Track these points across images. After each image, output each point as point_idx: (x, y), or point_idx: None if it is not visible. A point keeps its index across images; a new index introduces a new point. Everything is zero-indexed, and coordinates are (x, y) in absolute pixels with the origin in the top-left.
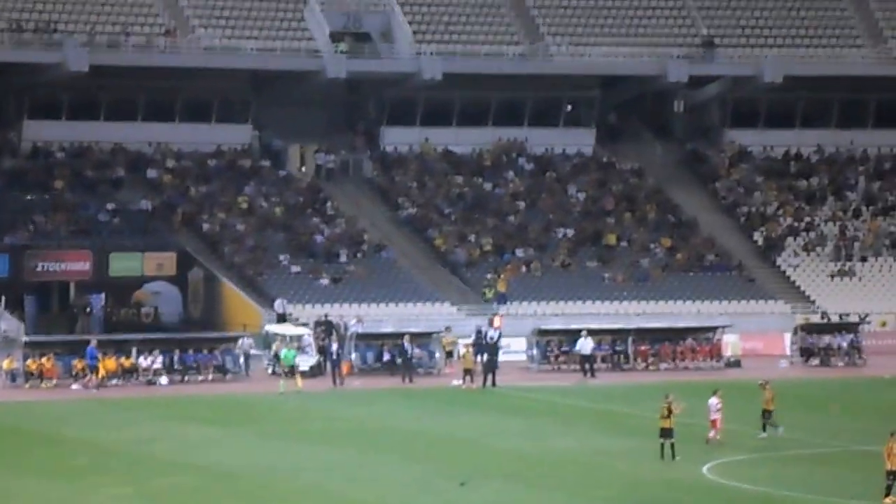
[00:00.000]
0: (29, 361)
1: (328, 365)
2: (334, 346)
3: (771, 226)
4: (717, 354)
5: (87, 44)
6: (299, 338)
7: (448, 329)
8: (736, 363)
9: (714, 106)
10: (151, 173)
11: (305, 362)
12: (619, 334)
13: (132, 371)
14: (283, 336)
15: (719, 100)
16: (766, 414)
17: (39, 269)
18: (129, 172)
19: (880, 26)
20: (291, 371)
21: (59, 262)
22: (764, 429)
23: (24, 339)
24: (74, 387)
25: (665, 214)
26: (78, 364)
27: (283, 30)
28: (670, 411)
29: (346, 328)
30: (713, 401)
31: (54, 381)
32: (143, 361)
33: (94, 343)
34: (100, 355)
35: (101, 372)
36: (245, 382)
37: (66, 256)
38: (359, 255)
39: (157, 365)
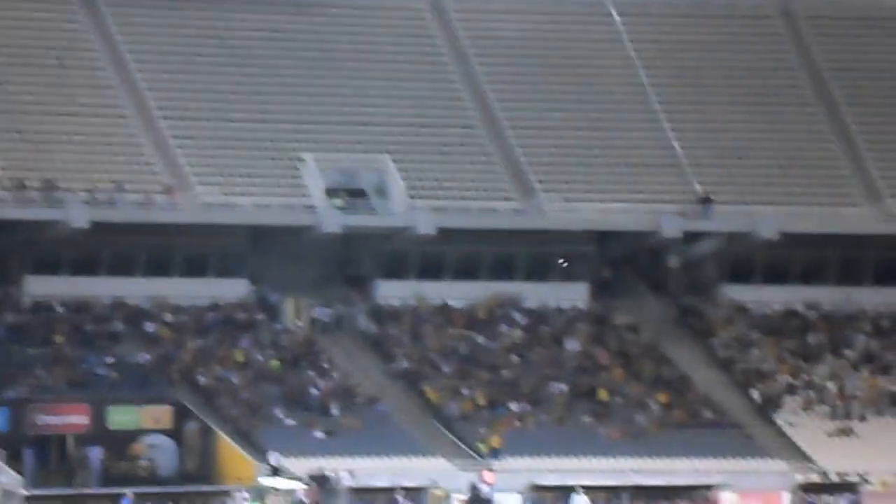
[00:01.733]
0: None
1: None
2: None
3: (768, 383)
4: None
5: (88, 201)
6: (292, 492)
7: (438, 483)
8: None
9: (710, 262)
10: (149, 327)
11: None
12: (614, 491)
13: None
14: (276, 490)
15: (715, 256)
16: None
17: (39, 422)
18: (127, 326)
19: (877, 185)
20: None
21: (58, 416)
22: None
23: (24, 492)
24: None
25: (660, 370)
26: None
27: (279, 186)
28: None
29: (339, 482)
30: None
31: None
32: None
33: (129, 495)
34: None
35: None
36: None
37: (65, 409)
38: (352, 408)
39: None
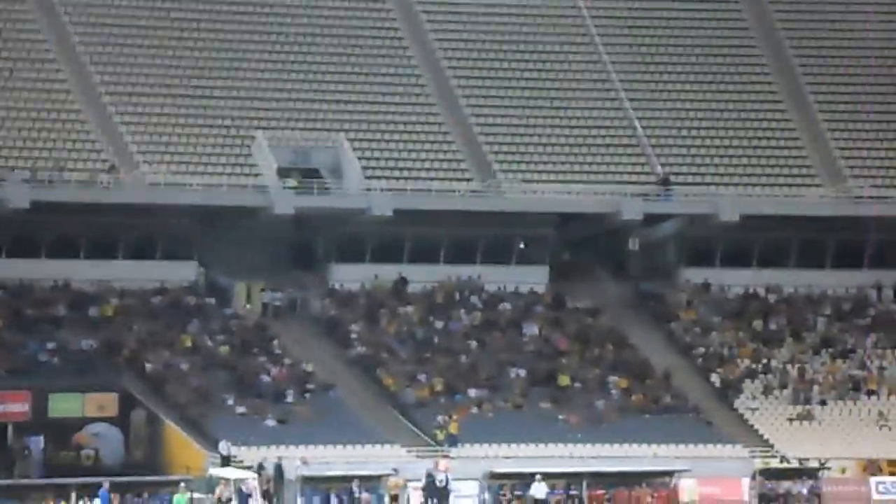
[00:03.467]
0: None
1: None
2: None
3: (728, 367)
4: (675, 500)
5: (28, 180)
6: (243, 481)
7: (395, 471)
8: None
9: (670, 244)
10: (93, 312)
11: None
12: (573, 478)
13: None
14: (226, 480)
15: (675, 238)
16: None
17: None
18: (70, 311)
19: (838, 165)
20: None
21: None
22: None
23: None
24: None
25: (620, 354)
26: None
27: (230, 165)
28: None
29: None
30: None
31: None
32: None
33: (106, 486)
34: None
35: None
36: None
37: (4, 397)
38: (306, 395)
39: None
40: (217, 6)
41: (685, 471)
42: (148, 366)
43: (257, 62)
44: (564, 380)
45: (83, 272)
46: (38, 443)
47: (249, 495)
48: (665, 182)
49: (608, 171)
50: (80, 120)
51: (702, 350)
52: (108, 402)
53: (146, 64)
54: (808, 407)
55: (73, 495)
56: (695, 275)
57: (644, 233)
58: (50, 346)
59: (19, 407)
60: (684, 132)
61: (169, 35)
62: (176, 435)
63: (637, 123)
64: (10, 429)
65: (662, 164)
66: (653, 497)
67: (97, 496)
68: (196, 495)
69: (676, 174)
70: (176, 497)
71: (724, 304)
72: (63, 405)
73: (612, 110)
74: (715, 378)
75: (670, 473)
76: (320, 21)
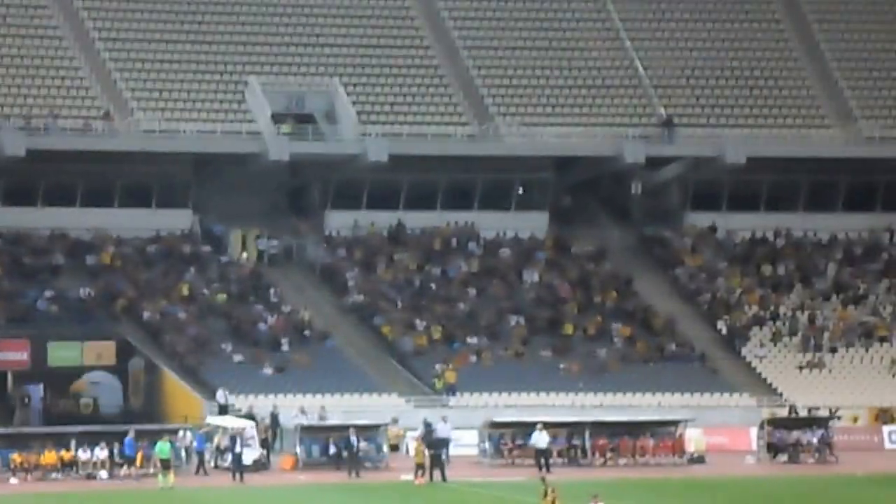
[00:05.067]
0: None
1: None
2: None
3: (735, 314)
4: (680, 450)
5: (23, 128)
6: (242, 430)
7: (395, 421)
8: (699, 459)
9: (674, 188)
10: (90, 260)
11: (249, 456)
12: (575, 428)
13: (72, 464)
14: (225, 428)
15: (679, 182)
16: None
17: None
18: (67, 259)
19: (849, 105)
20: (167, 465)
21: None
22: None
23: None
24: (13, 481)
25: (623, 301)
26: (17, 457)
27: (223, 111)
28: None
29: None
30: None
31: None
32: (83, 455)
33: (132, 434)
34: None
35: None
36: (187, 476)
37: (3, 346)
38: (303, 343)
39: (99, 458)
40: None
41: (691, 420)
42: (145, 314)
43: (251, 6)
44: (566, 328)
45: (79, 220)
46: (37, 391)
47: (247, 443)
48: (668, 123)
49: (609, 113)
50: (74, 67)
51: (707, 296)
52: (106, 351)
53: (139, 10)
54: (818, 354)
55: (73, 443)
56: (700, 219)
57: (647, 176)
58: (48, 294)
59: (18, 356)
60: (688, 72)
61: None
62: (174, 383)
63: (638, 64)
64: (9, 377)
65: (665, 106)
66: (658, 447)
67: (104, 444)
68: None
69: (680, 115)
70: (158, 444)
71: (731, 248)
72: (62, 354)
73: (613, 51)
74: (721, 325)
75: (675, 423)
76: None
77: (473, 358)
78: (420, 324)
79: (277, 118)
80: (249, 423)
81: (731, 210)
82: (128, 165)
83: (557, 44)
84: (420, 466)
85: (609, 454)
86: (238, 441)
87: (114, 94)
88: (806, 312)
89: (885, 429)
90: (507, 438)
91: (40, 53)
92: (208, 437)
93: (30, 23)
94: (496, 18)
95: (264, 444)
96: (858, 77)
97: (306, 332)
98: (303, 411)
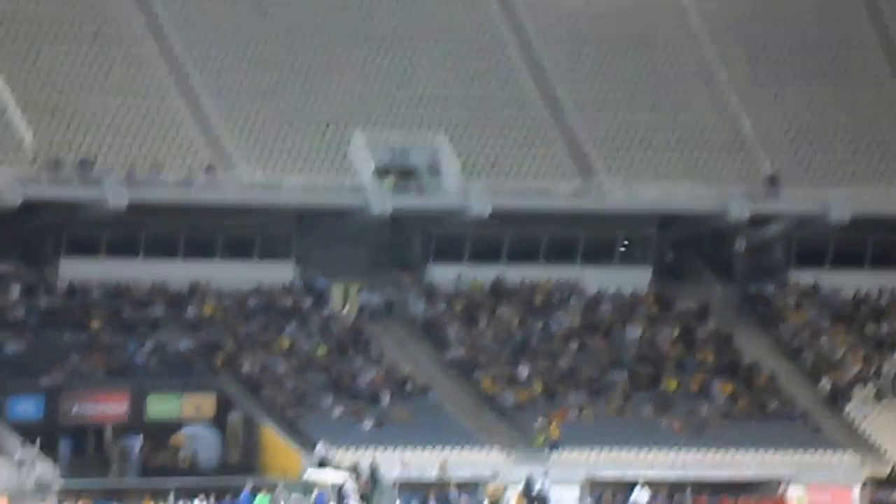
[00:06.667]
0: None
1: None
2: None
3: (838, 372)
4: None
5: (126, 180)
6: (341, 485)
7: (495, 476)
8: None
9: (778, 245)
10: (191, 312)
11: None
12: (676, 486)
13: None
14: (323, 483)
15: (783, 239)
16: None
17: (75, 411)
18: (168, 311)
19: None
20: None
21: (95, 404)
22: None
23: (59, 484)
24: None
25: (725, 359)
26: None
27: (327, 165)
28: None
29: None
30: None
31: None
32: None
33: (248, 488)
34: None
35: None
36: None
37: (103, 398)
38: (402, 397)
39: None
40: (315, 3)
41: (793, 478)
42: (244, 367)
43: (356, 60)
44: (668, 384)
45: (180, 272)
46: (135, 444)
47: (347, 497)
48: (773, 181)
49: (713, 169)
50: (178, 119)
51: (811, 354)
52: (205, 404)
53: (244, 63)
54: None
55: (171, 496)
56: (804, 276)
57: (751, 233)
58: (148, 346)
59: (117, 408)
60: (793, 130)
61: (268, 34)
62: (272, 437)
63: (744, 121)
64: (107, 430)
65: (770, 163)
66: None
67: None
68: (294, 495)
69: (785, 173)
70: (258, 498)
71: (835, 306)
72: (160, 406)
73: (718, 107)
74: (824, 383)
75: (778, 481)
76: (420, 19)
77: (574, 413)
78: (521, 378)
79: (381, 172)
80: (348, 477)
81: (836, 268)
82: (229, 218)
83: (662, 100)
84: None
85: None
86: (338, 495)
87: (217, 146)
88: None
89: None
90: (608, 495)
91: (143, 105)
92: (307, 490)
93: (135, 75)
94: (602, 75)
95: (364, 498)
96: None
97: (406, 387)
98: (403, 465)
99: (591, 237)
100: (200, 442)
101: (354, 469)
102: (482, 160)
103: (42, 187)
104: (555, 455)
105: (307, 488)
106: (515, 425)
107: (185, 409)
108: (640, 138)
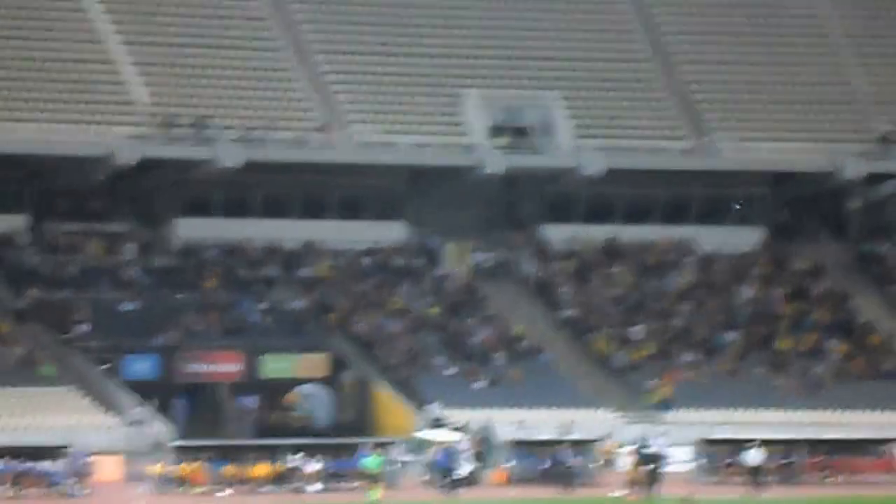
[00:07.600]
0: (182, 465)
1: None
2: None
3: None
4: (893, 469)
5: (241, 139)
6: (455, 443)
7: (608, 436)
8: None
9: (892, 204)
10: (304, 272)
11: (464, 469)
12: (792, 445)
13: (284, 477)
14: (436, 442)
15: None
16: None
17: (190, 370)
18: (281, 271)
19: None
20: (375, 479)
21: (211, 364)
22: None
23: (174, 443)
24: (227, 492)
25: (839, 318)
26: (229, 469)
27: (439, 124)
28: None
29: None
30: None
31: (204, 488)
32: (302, 467)
33: (369, 447)
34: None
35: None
36: (397, 490)
37: (217, 357)
38: (515, 357)
39: (312, 470)
40: None
41: None
42: (358, 327)
43: (469, 19)
44: (781, 344)
45: (294, 232)
46: (250, 403)
47: (460, 457)
48: (885, 140)
49: (827, 128)
50: (292, 78)
51: None
52: (318, 364)
53: (358, 22)
54: None
55: (287, 456)
56: None
57: (865, 192)
58: (262, 306)
59: (232, 367)
60: None
61: None
62: (385, 397)
63: (857, 78)
64: (222, 389)
65: (883, 122)
66: (873, 465)
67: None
68: (407, 457)
69: None
70: (373, 456)
71: None
72: (275, 365)
73: (833, 65)
74: None
75: (888, 441)
76: None
77: (688, 373)
78: (634, 338)
79: (494, 131)
80: (462, 437)
81: None
82: (343, 177)
83: (776, 58)
84: (634, 482)
85: (826, 471)
86: (450, 455)
87: (330, 106)
88: None
89: None
90: (722, 455)
91: (259, 65)
92: (418, 450)
93: (249, 34)
94: (714, 32)
95: (477, 457)
96: None
97: (519, 346)
98: (520, 425)
99: (705, 197)
100: (315, 401)
101: (467, 428)
102: (596, 119)
103: (157, 147)
104: (668, 415)
105: (421, 447)
106: (628, 385)
107: (299, 368)
108: (753, 96)
